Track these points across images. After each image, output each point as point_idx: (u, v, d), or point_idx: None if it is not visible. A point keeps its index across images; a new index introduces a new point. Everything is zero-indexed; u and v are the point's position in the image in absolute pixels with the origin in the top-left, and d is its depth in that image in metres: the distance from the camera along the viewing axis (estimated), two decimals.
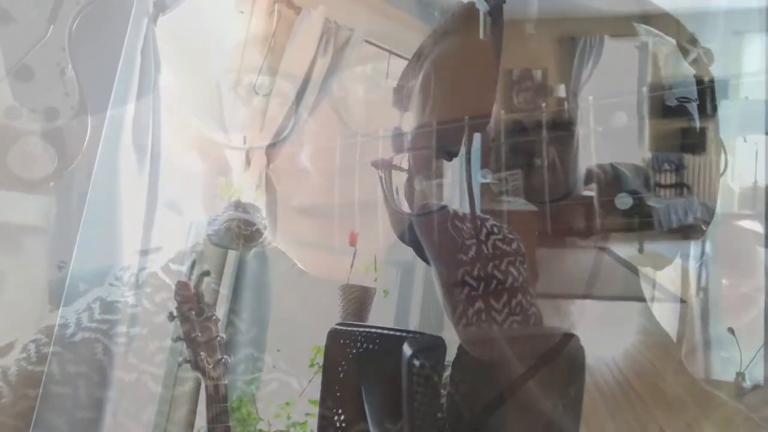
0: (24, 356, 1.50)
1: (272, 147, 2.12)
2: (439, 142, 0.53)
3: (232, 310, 2.17)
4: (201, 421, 1.91)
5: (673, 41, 0.53)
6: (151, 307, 1.77)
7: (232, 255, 2.17)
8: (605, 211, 0.50)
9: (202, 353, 1.48)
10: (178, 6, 1.78)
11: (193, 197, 2.05)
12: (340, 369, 0.66)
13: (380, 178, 0.59)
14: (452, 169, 0.52)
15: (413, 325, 2.44)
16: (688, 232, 0.51)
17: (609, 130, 0.50)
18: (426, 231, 0.54)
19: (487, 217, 0.50)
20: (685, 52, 0.53)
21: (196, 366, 1.48)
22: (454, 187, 0.52)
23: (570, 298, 0.52)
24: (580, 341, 0.51)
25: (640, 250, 0.51)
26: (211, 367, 1.48)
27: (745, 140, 0.53)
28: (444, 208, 0.52)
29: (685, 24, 0.54)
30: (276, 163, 2.15)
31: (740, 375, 1.37)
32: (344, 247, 2.12)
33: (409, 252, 0.60)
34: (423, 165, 0.55)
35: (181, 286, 1.52)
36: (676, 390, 0.52)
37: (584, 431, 0.50)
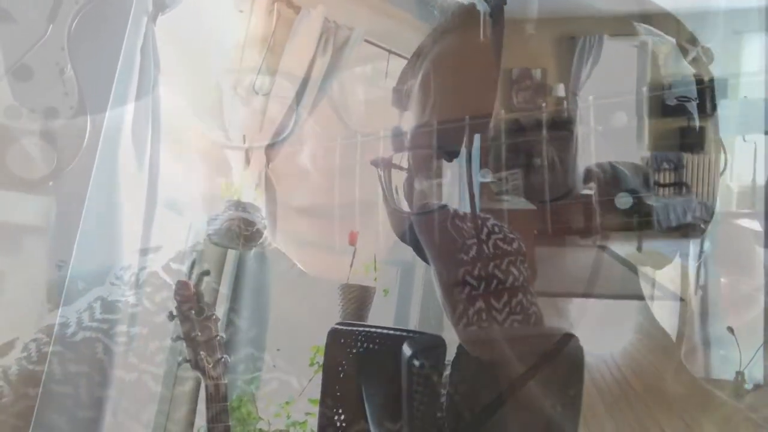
0: (25, 355, 1.50)
1: (272, 146, 2.12)
2: (440, 142, 0.53)
3: (232, 309, 2.17)
4: (201, 420, 1.91)
5: (673, 40, 0.53)
6: (151, 306, 1.77)
7: (231, 254, 2.17)
8: (604, 210, 0.50)
9: (201, 352, 1.48)
10: (178, 5, 1.78)
11: (192, 197, 2.05)
12: (340, 369, 0.66)
13: (380, 177, 0.59)
14: (451, 169, 0.52)
15: (413, 324, 2.44)
16: (687, 230, 0.51)
17: (608, 129, 0.50)
18: (426, 230, 0.54)
19: (488, 216, 0.50)
20: (684, 51, 0.53)
21: (196, 365, 1.48)
22: (453, 187, 0.52)
23: (569, 297, 0.52)
24: (579, 341, 0.51)
25: (639, 249, 0.51)
26: (210, 366, 1.48)
27: (744, 139, 0.53)
28: (444, 207, 0.52)
29: (684, 23, 0.54)
30: (275, 162, 2.15)
31: (740, 374, 1.37)
32: (344, 246, 2.12)
33: (408, 251, 0.60)
34: (423, 164, 0.55)
35: (181, 286, 1.52)
36: (675, 389, 0.52)
37: (583, 430, 0.50)
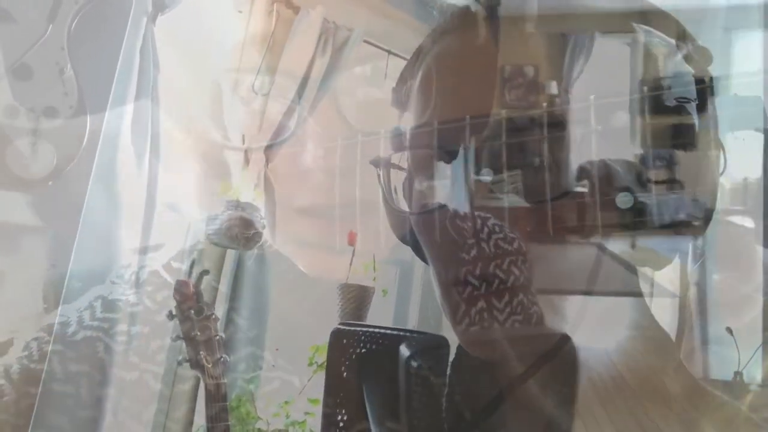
0: (25, 354, 1.50)
1: (271, 147, 2.12)
2: (439, 142, 0.53)
3: (232, 308, 2.17)
4: (200, 419, 1.91)
5: (672, 41, 0.53)
6: (152, 305, 1.78)
7: (231, 254, 2.18)
8: (599, 209, 0.50)
9: (201, 352, 1.48)
10: (177, 5, 1.78)
11: (192, 197, 2.05)
12: (342, 368, 0.66)
13: (379, 176, 0.59)
14: (447, 169, 0.52)
15: (412, 324, 2.44)
16: (680, 228, 0.51)
17: (601, 127, 0.50)
18: (426, 230, 0.54)
19: (489, 215, 0.50)
20: (677, 48, 0.53)
21: (196, 365, 1.48)
22: (447, 186, 0.52)
23: (564, 295, 0.52)
24: (573, 341, 0.51)
25: (633, 246, 0.51)
26: (210, 366, 1.48)
27: (735, 136, 0.54)
28: (444, 207, 0.52)
29: (675, 18, 0.54)
30: (275, 162, 2.15)
31: (738, 374, 1.37)
32: (343, 246, 2.12)
33: (407, 251, 0.60)
34: (422, 164, 0.55)
35: (181, 285, 1.52)
36: (674, 389, 0.52)
37: (579, 425, 0.50)
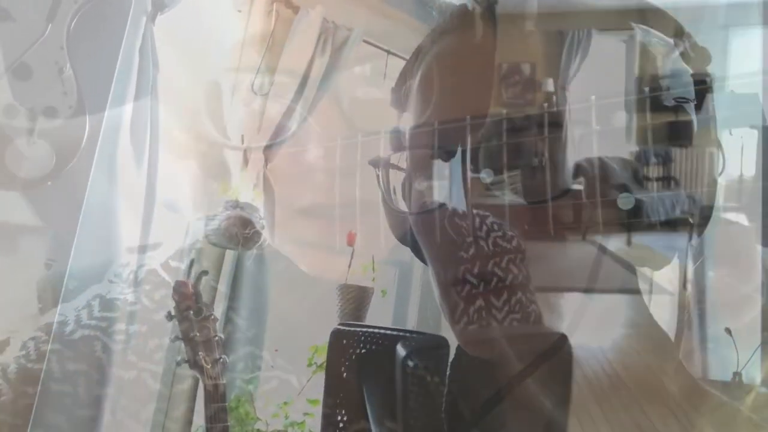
0: (23, 354, 1.50)
1: (270, 147, 2.12)
2: (439, 142, 0.53)
3: (231, 308, 2.17)
4: (199, 418, 1.91)
5: (662, 35, 0.53)
6: (150, 304, 1.78)
7: (230, 253, 2.18)
8: (594, 206, 0.50)
9: (200, 353, 1.48)
10: (176, 5, 1.78)
11: (191, 197, 2.05)
12: (342, 369, 0.66)
13: (378, 177, 0.59)
14: (445, 168, 0.52)
15: (411, 325, 2.44)
16: (677, 225, 0.51)
17: (599, 125, 0.50)
18: (426, 230, 0.54)
19: (487, 214, 0.50)
20: (665, 38, 0.53)
21: (195, 365, 1.48)
22: (445, 186, 0.52)
23: (562, 293, 0.52)
24: (569, 341, 0.51)
25: (629, 243, 0.50)
26: (209, 366, 1.48)
27: (731, 133, 0.54)
28: (443, 206, 0.52)
29: (672, 16, 0.54)
30: (274, 162, 2.15)
31: (737, 375, 1.37)
32: (343, 247, 2.12)
33: (407, 252, 0.60)
34: (421, 164, 0.55)
35: (180, 285, 1.52)
36: (673, 389, 0.52)
37: (575, 424, 0.50)
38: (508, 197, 0.50)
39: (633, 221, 0.49)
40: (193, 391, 1.97)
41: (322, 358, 2.12)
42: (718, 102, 0.52)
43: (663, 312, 0.54)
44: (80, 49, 1.44)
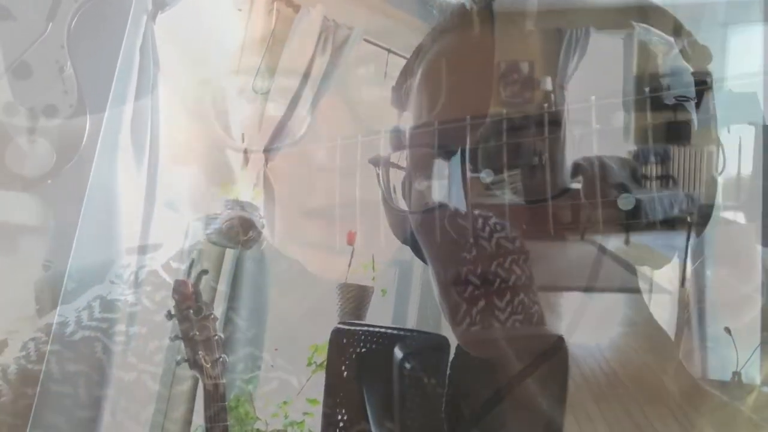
0: (23, 354, 1.50)
1: (270, 146, 2.12)
2: (439, 141, 0.53)
3: (231, 308, 2.17)
4: (199, 419, 1.91)
5: (672, 39, 0.53)
6: (150, 305, 1.77)
7: (230, 253, 2.17)
8: (593, 205, 0.49)
9: (200, 352, 1.48)
10: (177, 4, 1.78)
11: (191, 196, 2.05)
12: (343, 368, 0.66)
13: (378, 176, 0.59)
14: (445, 168, 0.52)
15: (411, 324, 2.44)
16: (674, 223, 0.51)
17: (598, 123, 0.50)
18: (426, 230, 0.53)
19: (490, 214, 0.50)
20: (665, 36, 0.53)
21: (195, 365, 1.48)
22: (445, 185, 0.52)
23: (561, 292, 0.52)
24: (566, 342, 0.51)
25: (628, 243, 0.50)
26: (209, 366, 1.48)
27: (729, 131, 0.54)
28: (444, 205, 0.52)
29: (671, 14, 0.54)
30: (274, 162, 2.15)
31: (737, 374, 1.37)
32: (343, 246, 2.12)
33: (407, 251, 0.60)
34: (421, 164, 0.55)
35: (180, 285, 1.52)
36: (673, 389, 0.52)
37: (573, 424, 0.50)
38: (508, 197, 0.50)
39: (632, 220, 0.49)
40: (193, 391, 1.97)
41: (321, 357, 2.12)
42: (718, 101, 0.52)
43: (663, 311, 0.54)
44: (81, 47, 1.44)
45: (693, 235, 0.51)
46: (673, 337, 0.55)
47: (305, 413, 2.11)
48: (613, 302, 0.54)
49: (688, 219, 0.51)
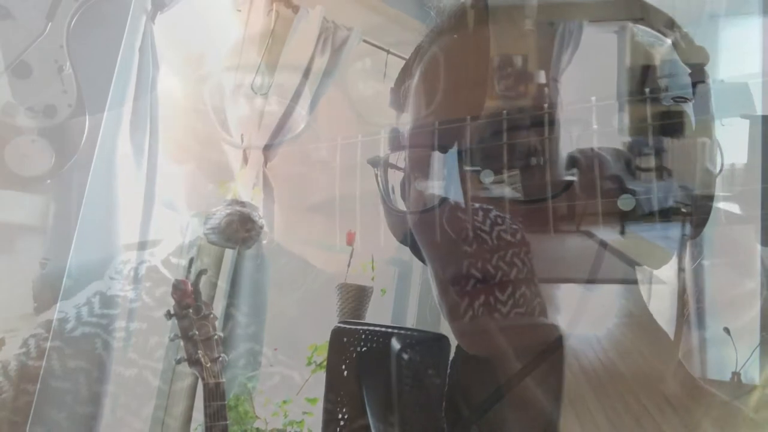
0: (23, 350, 1.50)
1: (269, 145, 2.12)
2: (439, 141, 0.53)
3: (231, 304, 2.17)
4: (199, 415, 1.91)
5: (654, 27, 0.53)
6: (150, 301, 1.78)
7: (230, 251, 2.18)
8: (588, 197, 0.49)
9: (200, 351, 1.48)
10: (176, 4, 1.78)
11: (190, 195, 2.05)
12: (343, 367, 0.66)
13: (376, 176, 0.59)
14: (442, 167, 0.52)
15: (410, 323, 2.45)
16: (670, 216, 0.51)
17: (590, 115, 0.50)
18: (425, 229, 0.53)
19: (491, 207, 0.50)
20: (662, 36, 0.53)
21: (194, 363, 1.48)
22: (443, 185, 0.52)
23: (559, 284, 0.52)
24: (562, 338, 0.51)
25: (625, 237, 0.50)
26: (209, 365, 1.48)
27: (722, 123, 0.53)
28: (444, 201, 0.51)
29: (660, 7, 0.54)
30: (273, 161, 2.15)
31: (736, 374, 1.37)
32: (342, 246, 2.12)
33: (406, 251, 0.60)
34: (420, 164, 0.55)
35: (179, 284, 1.52)
36: (673, 388, 0.52)
37: (572, 415, 0.50)
38: (507, 193, 0.50)
39: (629, 215, 0.49)
40: (193, 388, 1.97)
41: (321, 356, 2.12)
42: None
43: (661, 305, 0.54)
44: (80, 47, 1.44)
45: (676, 220, 0.51)
46: (672, 335, 0.55)
47: (305, 412, 2.11)
48: (611, 293, 0.54)
49: (683, 209, 0.51)
